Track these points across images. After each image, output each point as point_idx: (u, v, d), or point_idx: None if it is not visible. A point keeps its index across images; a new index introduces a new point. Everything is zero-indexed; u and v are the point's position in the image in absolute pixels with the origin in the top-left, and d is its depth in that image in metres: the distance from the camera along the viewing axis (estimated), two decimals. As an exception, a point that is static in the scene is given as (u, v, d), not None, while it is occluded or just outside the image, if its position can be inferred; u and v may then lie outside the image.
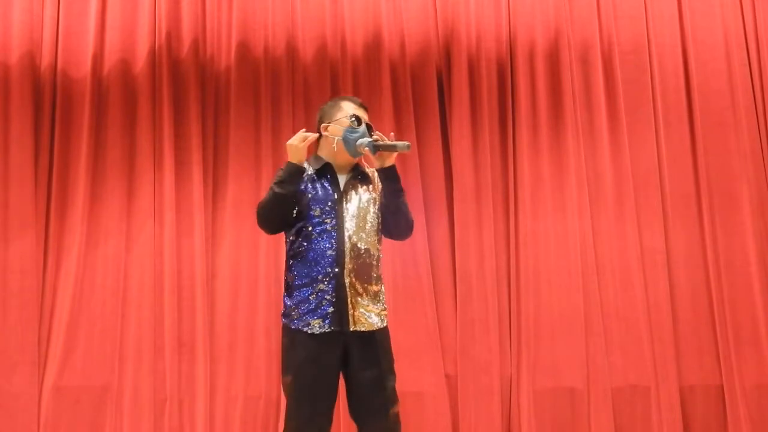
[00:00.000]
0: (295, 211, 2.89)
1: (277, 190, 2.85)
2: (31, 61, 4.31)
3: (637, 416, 4.30)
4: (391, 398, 2.86)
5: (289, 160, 2.88)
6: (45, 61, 4.33)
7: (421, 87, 4.56)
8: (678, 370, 4.35)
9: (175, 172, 4.27)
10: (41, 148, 4.26)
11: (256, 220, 2.93)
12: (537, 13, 4.67)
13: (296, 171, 2.87)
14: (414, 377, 4.14)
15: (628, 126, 4.60)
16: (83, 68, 4.35)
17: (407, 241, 4.26)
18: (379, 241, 2.98)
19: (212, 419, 4.08)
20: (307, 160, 3.00)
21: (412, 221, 3.01)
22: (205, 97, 4.42)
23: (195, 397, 4.08)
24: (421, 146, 4.48)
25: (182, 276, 4.19)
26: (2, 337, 4.04)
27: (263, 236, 4.02)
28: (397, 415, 2.89)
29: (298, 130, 4.33)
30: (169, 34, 4.39)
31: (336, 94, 4.46)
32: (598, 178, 4.54)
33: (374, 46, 4.53)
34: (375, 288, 2.89)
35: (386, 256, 4.20)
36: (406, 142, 2.85)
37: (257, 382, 4.14)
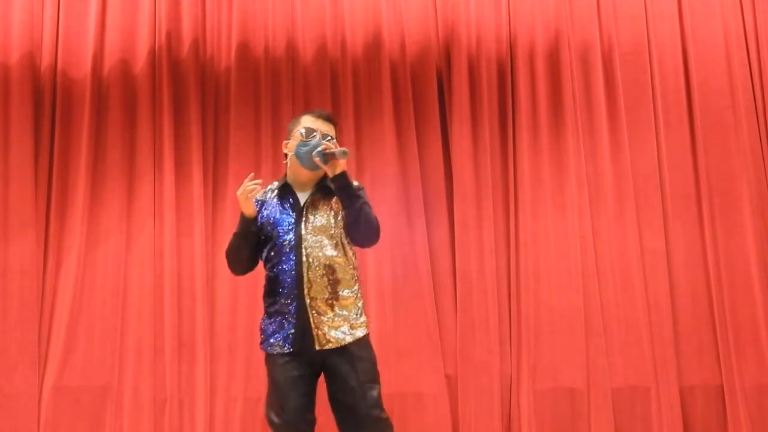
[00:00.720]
0: (261, 250, 2.95)
1: (232, 240, 2.95)
2: (31, 61, 4.31)
3: (637, 416, 4.30)
4: (375, 406, 2.80)
5: (242, 209, 2.89)
6: (45, 61, 4.33)
7: (421, 87, 4.56)
8: (678, 371, 4.35)
9: (175, 172, 4.27)
10: (41, 148, 4.26)
11: None
12: (537, 13, 4.67)
13: (245, 222, 2.90)
14: (414, 378, 4.14)
15: (628, 126, 4.60)
16: (83, 68, 4.35)
17: (407, 241, 4.31)
18: (347, 253, 2.93)
19: (212, 420, 4.08)
20: (278, 180, 3.04)
21: (377, 225, 2.92)
22: (205, 97, 4.42)
23: (195, 397, 4.08)
24: (421, 146, 4.48)
25: (182, 276, 4.19)
26: (2, 338, 4.05)
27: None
28: (386, 420, 2.85)
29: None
30: (169, 35, 4.39)
31: (336, 94, 4.47)
32: (598, 178, 4.54)
33: (374, 47, 4.53)
34: (344, 302, 2.86)
35: (386, 256, 4.23)
36: (343, 149, 2.81)
37: (257, 382, 4.13)
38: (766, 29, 4.78)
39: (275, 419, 2.80)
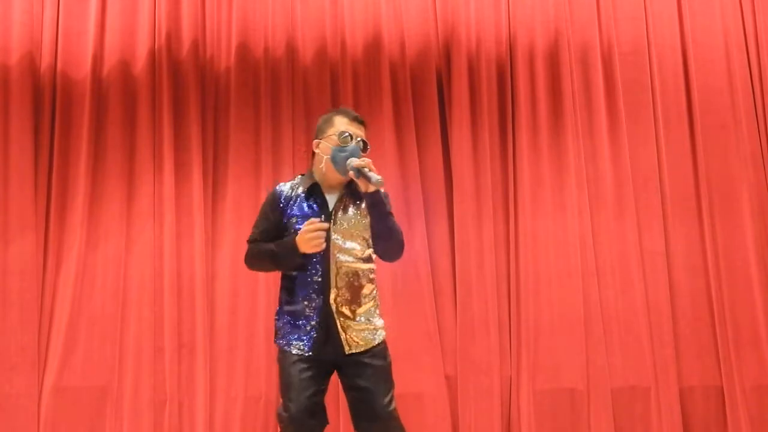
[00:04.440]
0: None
1: (267, 255, 2.82)
2: (31, 62, 4.31)
3: (637, 417, 4.30)
4: (389, 404, 2.81)
5: (300, 248, 2.73)
6: (45, 62, 4.33)
7: (421, 88, 4.56)
8: (678, 371, 4.35)
9: (174, 174, 4.27)
10: (41, 149, 4.26)
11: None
12: (537, 14, 4.67)
13: (294, 256, 2.77)
14: (414, 378, 4.14)
15: (627, 127, 4.60)
16: (83, 69, 4.35)
17: (407, 241, 4.26)
18: (370, 258, 2.90)
19: (212, 420, 4.08)
20: (302, 175, 2.98)
21: (403, 242, 2.89)
22: (205, 98, 4.42)
23: (195, 397, 4.08)
24: (421, 147, 4.48)
25: (182, 277, 4.19)
26: (2, 338, 4.04)
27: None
28: (398, 419, 2.86)
29: (297, 132, 4.41)
30: (169, 35, 4.39)
31: (336, 95, 4.47)
32: (598, 179, 4.54)
33: (374, 48, 4.53)
34: (366, 306, 2.84)
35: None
36: (379, 178, 2.69)
37: (257, 382, 4.14)
38: (766, 30, 4.79)
39: (284, 414, 2.75)
